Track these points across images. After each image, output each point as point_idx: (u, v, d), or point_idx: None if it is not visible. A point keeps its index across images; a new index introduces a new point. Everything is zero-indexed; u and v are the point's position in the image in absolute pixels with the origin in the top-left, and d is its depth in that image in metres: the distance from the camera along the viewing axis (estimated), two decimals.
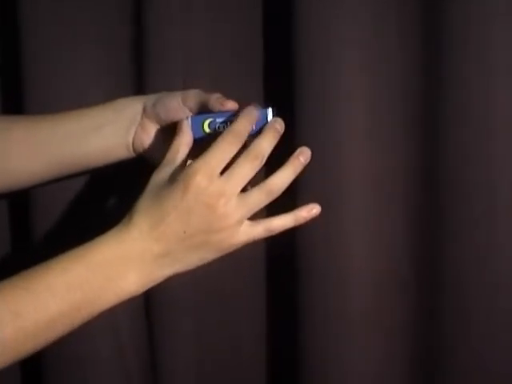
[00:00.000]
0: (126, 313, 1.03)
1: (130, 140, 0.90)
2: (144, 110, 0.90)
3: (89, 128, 0.91)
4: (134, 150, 0.91)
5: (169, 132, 0.86)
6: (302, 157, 0.80)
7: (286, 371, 1.03)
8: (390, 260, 0.96)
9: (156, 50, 0.97)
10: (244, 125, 0.79)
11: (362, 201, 0.94)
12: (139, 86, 0.99)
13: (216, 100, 0.85)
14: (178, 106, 0.87)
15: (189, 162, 0.81)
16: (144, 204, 0.77)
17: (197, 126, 0.84)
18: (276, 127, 0.80)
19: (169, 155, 0.81)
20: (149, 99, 0.90)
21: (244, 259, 0.98)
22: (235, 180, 0.77)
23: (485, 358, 0.94)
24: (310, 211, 0.82)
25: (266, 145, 0.78)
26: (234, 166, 0.77)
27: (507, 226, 0.91)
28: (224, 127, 0.83)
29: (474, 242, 0.92)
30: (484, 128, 0.89)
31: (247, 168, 0.77)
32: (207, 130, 0.84)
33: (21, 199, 1.04)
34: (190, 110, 0.87)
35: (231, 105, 0.84)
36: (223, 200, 0.76)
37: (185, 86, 0.94)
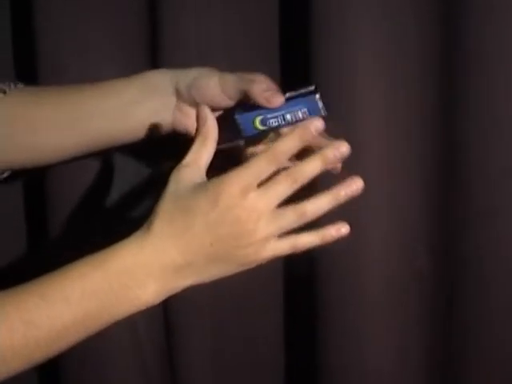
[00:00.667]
0: (145, 316, 1.00)
1: (169, 119, 0.87)
2: (177, 91, 0.85)
3: (129, 103, 0.87)
4: (174, 128, 0.87)
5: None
6: (348, 189, 0.74)
7: (303, 372, 1.03)
8: (406, 250, 0.96)
9: (171, 37, 0.96)
10: (293, 144, 0.72)
11: (379, 190, 0.93)
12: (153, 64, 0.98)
13: (261, 95, 0.79)
14: (216, 92, 0.82)
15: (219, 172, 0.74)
16: (166, 209, 0.73)
17: (247, 123, 0.80)
18: (328, 156, 0.72)
19: (189, 158, 0.75)
20: (180, 80, 0.85)
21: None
22: (270, 198, 0.72)
23: (505, 345, 0.94)
24: (338, 230, 0.75)
25: (310, 170, 0.72)
26: (271, 182, 0.72)
27: None
28: (277, 122, 0.79)
29: (494, 230, 0.91)
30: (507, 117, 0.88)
31: (285, 188, 0.72)
32: (260, 127, 0.80)
33: (37, 192, 1.04)
34: (230, 98, 0.82)
35: (279, 101, 0.79)
36: (255, 216, 0.72)
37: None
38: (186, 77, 0.85)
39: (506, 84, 0.88)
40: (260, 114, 0.80)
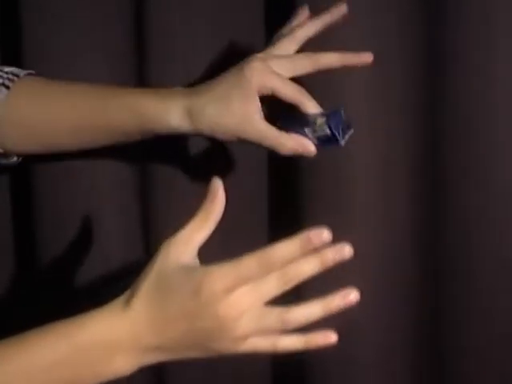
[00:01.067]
0: None
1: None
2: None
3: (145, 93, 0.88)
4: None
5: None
6: (340, 299, 0.68)
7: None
8: (393, 252, 0.96)
9: (156, 40, 0.97)
10: (291, 251, 0.67)
11: (365, 188, 0.94)
12: (139, 74, 0.99)
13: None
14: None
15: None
16: (146, 290, 0.69)
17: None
18: (328, 258, 0.67)
19: (187, 232, 0.70)
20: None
21: None
22: (256, 297, 0.68)
23: (492, 343, 0.95)
24: (325, 338, 0.70)
25: (306, 271, 0.68)
26: (261, 280, 0.67)
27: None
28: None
29: (479, 229, 0.92)
30: (485, 111, 0.89)
31: (275, 288, 0.68)
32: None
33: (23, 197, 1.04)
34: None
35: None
36: (235, 314, 0.67)
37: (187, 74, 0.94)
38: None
39: (486, 84, 0.89)
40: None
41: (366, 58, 0.82)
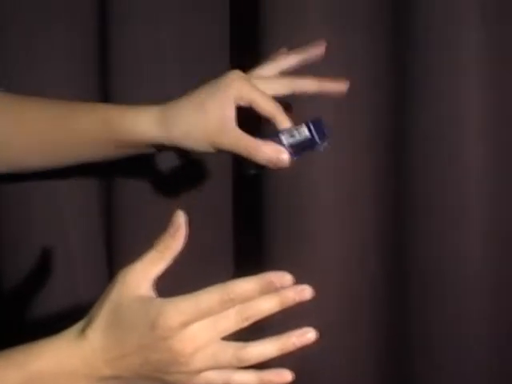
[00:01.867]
0: None
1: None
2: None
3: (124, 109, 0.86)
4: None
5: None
6: (296, 339, 0.68)
7: None
8: (356, 250, 0.97)
9: (121, 52, 0.97)
10: (253, 290, 0.67)
11: (330, 192, 0.95)
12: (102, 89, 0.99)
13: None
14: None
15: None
16: (101, 320, 0.69)
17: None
18: (288, 298, 0.67)
19: (145, 262, 0.69)
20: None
21: None
22: (212, 333, 0.67)
23: (453, 340, 0.96)
24: (280, 377, 0.69)
25: (264, 309, 0.68)
26: (219, 317, 0.67)
27: (475, 218, 0.92)
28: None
29: (440, 230, 0.93)
30: (451, 119, 0.91)
31: (232, 324, 0.67)
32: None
33: None
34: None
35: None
36: (191, 349, 0.67)
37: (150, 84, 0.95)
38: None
39: (450, 89, 0.91)
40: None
41: (342, 86, 0.83)
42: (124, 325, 0.68)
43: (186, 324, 0.66)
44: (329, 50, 0.88)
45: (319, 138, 0.79)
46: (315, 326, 0.78)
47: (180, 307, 0.66)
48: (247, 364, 0.68)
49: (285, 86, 0.83)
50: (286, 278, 0.66)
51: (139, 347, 0.67)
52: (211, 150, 0.83)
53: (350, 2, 0.92)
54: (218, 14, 0.98)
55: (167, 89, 0.98)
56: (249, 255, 1.00)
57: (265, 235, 0.97)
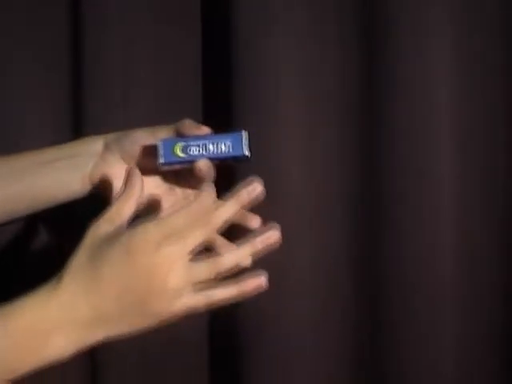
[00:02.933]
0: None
1: (87, 172, 0.85)
2: (106, 144, 0.85)
3: (45, 162, 0.86)
4: (91, 182, 0.85)
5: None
6: (267, 240, 0.74)
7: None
8: (329, 251, 0.98)
9: (95, 62, 0.97)
10: (209, 205, 0.72)
11: (302, 197, 0.96)
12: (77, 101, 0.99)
13: (187, 126, 0.82)
14: (146, 137, 0.83)
15: (133, 222, 0.75)
16: (78, 264, 0.71)
17: (167, 149, 0.80)
18: (244, 198, 0.74)
19: (110, 213, 0.74)
20: (111, 135, 0.86)
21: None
22: (184, 248, 0.71)
23: (428, 344, 0.97)
24: (256, 281, 0.73)
25: (225, 213, 0.72)
26: (187, 232, 0.71)
27: (448, 225, 0.94)
28: (199, 151, 0.80)
29: (413, 233, 0.95)
30: (423, 117, 0.92)
31: (200, 237, 0.71)
32: (180, 154, 0.80)
33: None
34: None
35: (206, 130, 0.81)
36: (166, 267, 0.70)
37: (124, 99, 0.95)
38: (117, 133, 0.86)
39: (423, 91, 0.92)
40: (183, 141, 0.80)
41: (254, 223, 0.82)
42: (99, 261, 0.70)
43: (157, 244, 0.70)
44: (299, 53, 0.91)
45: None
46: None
47: (149, 229, 0.70)
48: (222, 273, 0.72)
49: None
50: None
51: (117, 277, 0.70)
52: None
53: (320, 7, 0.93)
54: (191, 27, 0.98)
55: (141, 105, 0.98)
56: None
57: None
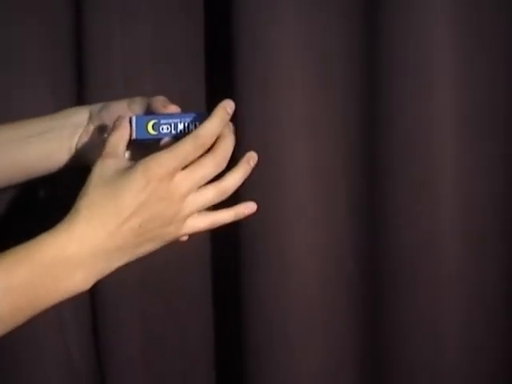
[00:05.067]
0: (72, 312, 1.02)
1: (74, 144, 0.89)
2: (90, 116, 0.89)
3: (32, 134, 0.89)
4: (77, 154, 0.89)
5: None
6: (252, 161, 0.84)
7: (233, 361, 1.03)
8: (331, 249, 0.98)
9: (95, 49, 0.98)
10: (216, 125, 0.79)
11: (303, 192, 0.95)
12: (79, 87, 1.00)
13: (159, 102, 0.85)
14: (123, 110, 0.87)
15: (127, 157, 0.82)
16: (93, 198, 0.74)
17: (140, 126, 0.83)
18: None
19: (109, 148, 0.79)
20: (95, 106, 0.90)
21: (189, 255, 0.99)
22: (194, 180, 0.77)
23: (431, 341, 0.96)
24: (247, 208, 0.85)
25: (230, 146, 0.80)
26: (197, 164, 0.77)
27: (450, 217, 0.93)
28: (168, 129, 0.83)
29: (417, 231, 0.94)
30: (425, 118, 0.91)
31: (210, 169, 0.78)
32: (151, 131, 0.83)
33: None
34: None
35: (174, 108, 0.85)
36: (180, 196, 0.76)
37: (126, 86, 0.95)
38: (100, 104, 0.90)
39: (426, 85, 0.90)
40: (154, 119, 0.83)
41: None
42: (116, 192, 0.74)
43: (171, 173, 0.75)
44: (300, 49, 0.90)
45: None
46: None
47: (162, 159, 0.75)
48: (227, 194, 0.80)
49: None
50: (229, 103, 0.80)
51: (137, 207, 0.74)
52: None
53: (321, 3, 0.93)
54: (193, 14, 0.99)
55: (140, 87, 0.99)
56: None
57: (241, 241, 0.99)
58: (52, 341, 1.02)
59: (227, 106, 0.80)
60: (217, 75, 0.99)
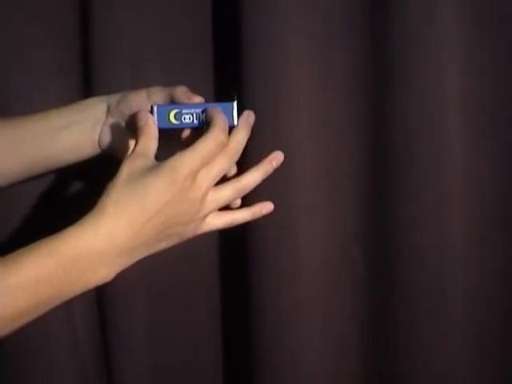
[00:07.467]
0: (81, 306, 1.03)
1: (96, 137, 0.90)
2: (108, 108, 0.90)
3: (56, 128, 0.90)
4: (100, 146, 0.91)
5: (133, 128, 0.85)
6: (275, 161, 0.86)
7: (241, 356, 1.03)
8: (339, 248, 0.97)
9: (103, 37, 0.97)
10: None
11: (312, 190, 0.95)
12: (87, 75, 1.00)
13: (183, 93, 0.86)
14: (142, 101, 0.87)
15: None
16: (119, 195, 0.76)
17: (162, 115, 0.84)
18: (250, 122, 0.85)
19: (140, 146, 0.79)
20: (112, 97, 0.90)
21: (198, 249, 0.99)
22: (213, 176, 0.78)
23: (434, 333, 0.96)
24: (264, 207, 0.88)
25: (243, 140, 0.82)
26: (213, 161, 0.78)
27: (457, 214, 0.93)
28: (190, 118, 0.84)
29: (422, 227, 0.94)
30: (432, 113, 0.91)
31: (225, 165, 0.79)
32: (173, 121, 0.84)
33: None
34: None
35: (198, 98, 0.85)
36: (201, 195, 0.78)
37: (133, 74, 0.96)
38: (117, 95, 0.90)
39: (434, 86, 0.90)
40: (176, 108, 0.84)
41: None
42: (142, 191, 0.75)
43: (194, 173, 0.76)
44: (306, 48, 0.90)
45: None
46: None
47: (187, 159, 0.76)
48: (245, 192, 0.83)
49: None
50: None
51: (162, 205, 0.75)
52: None
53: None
54: (201, 9, 0.99)
55: (148, 77, 0.98)
56: None
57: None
58: (60, 334, 1.03)
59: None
60: (225, 73, 0.99)
